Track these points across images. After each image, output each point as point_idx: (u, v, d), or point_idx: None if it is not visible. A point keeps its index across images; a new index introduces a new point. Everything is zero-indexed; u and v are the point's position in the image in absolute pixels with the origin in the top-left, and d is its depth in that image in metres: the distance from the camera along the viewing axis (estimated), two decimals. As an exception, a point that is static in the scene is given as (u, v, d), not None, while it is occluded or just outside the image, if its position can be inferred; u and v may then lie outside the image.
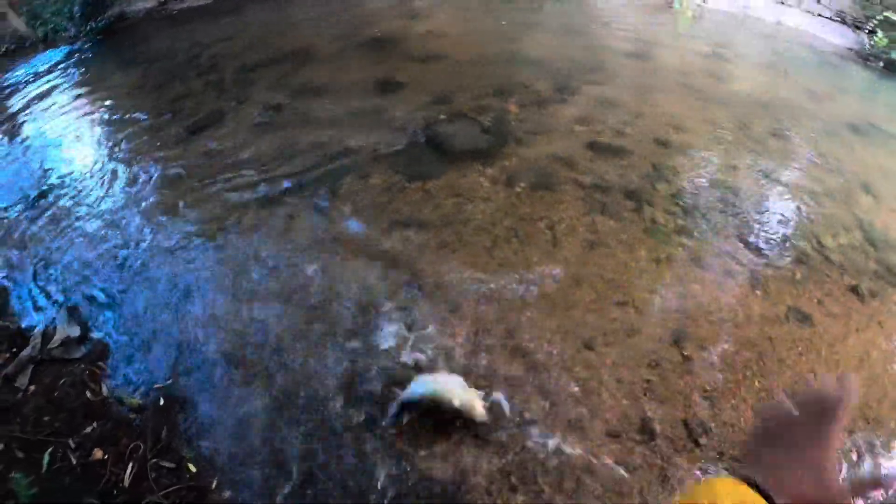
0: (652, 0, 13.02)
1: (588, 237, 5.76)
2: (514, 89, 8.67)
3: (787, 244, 5.89)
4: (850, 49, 11.27)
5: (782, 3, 12.12)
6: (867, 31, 11.12)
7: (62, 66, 13.23)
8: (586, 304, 5.04)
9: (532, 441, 4.01)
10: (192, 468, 4.10)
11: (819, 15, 11.74)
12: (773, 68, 10.17)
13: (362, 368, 4.57)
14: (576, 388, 4.34)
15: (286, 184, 6.93)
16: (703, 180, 6.70)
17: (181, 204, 6.86)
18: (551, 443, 4.00)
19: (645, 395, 4.32)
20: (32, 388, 4.89)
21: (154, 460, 4.16)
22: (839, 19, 11.65)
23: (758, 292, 5.28)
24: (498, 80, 8.98)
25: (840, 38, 11.52)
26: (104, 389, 4.80)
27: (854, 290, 5.42)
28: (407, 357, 4.60)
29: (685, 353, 4.64)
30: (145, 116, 9.33)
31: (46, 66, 13.38)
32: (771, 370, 4.57)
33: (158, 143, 8.32)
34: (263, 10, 14.35)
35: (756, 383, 4.47)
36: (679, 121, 7.81)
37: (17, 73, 13.33)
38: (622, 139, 7.34)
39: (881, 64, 10.77)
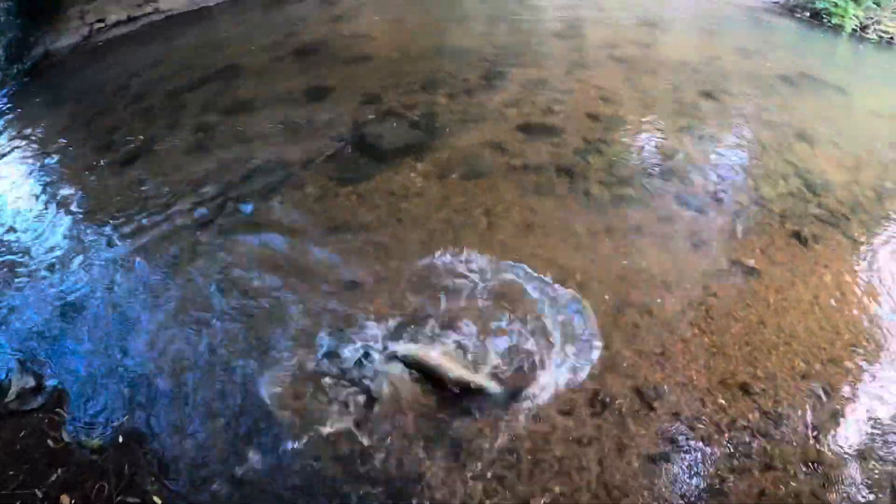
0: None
1: (525, 218, 5.70)
2: (443, 81, 8.60)
3: (726, 200, 5.88)
4: (776, 2, 11.34)
5: (706, -38, 12.14)
6: (791, -17, 11.22)
7: (-10, 109, 12.98)
8: None
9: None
10: (158, 501, 4.06)
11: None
12: (702, 30, 10.27)
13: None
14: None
15: (220, 203, 6.79)
16: (636, 149, 6.70)
17: (116, 239, 6.71)
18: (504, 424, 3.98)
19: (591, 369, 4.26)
20: None
21: (119, 498, 4.11)
22: (763, -26, 11.73)
23: (700, 250, 5.27)
24: (425, 75, 8.91)
25: (766, -8, 11.59)
26: (64, 436, 4.71)
27: (796, 235, 5.43)
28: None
29: (633, 322, 4.59)
30: (76, 155, 9.15)
31: None
32: (720, 325, 4.56)
33: (91, 180, 8.14)
34: (189, 32, 14.18)
35: (706, 340, 4.45)
36: (609, 93, 7.79)
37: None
38: (552, 118, 7.30)
39: (807, 14, 10.85)
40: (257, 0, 14.94)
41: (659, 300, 4.76)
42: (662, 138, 6.85)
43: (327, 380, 4.48)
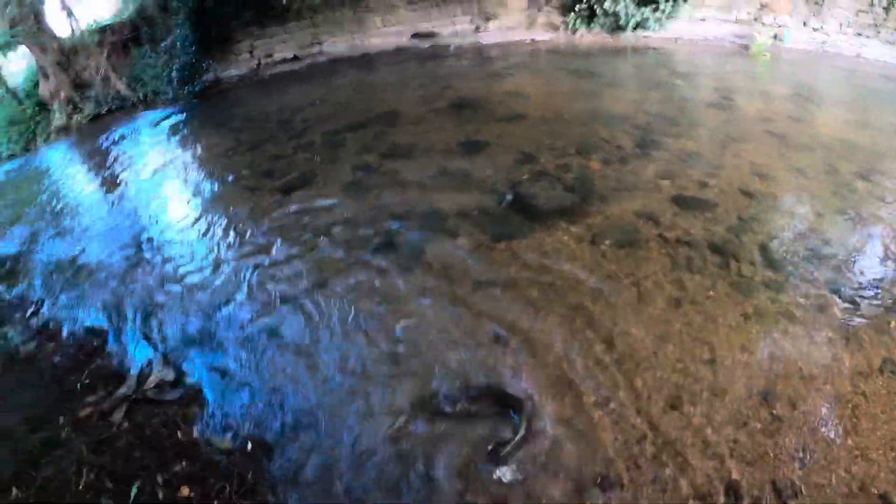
0: (727, 45, 12.99)
1: (674, 294, 5.79)
2: (596, 146, 8.83)
3: (880, 292, 5.72)
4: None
5: (860, 34, 11.90)
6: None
7: (161, 126, 14.27)
8: (672, 362, 5.05)
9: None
10: None
11: (900, 44, 11.50)
12: (856, 104, 9.99)
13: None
14: (660, 449, 4.36)
15: (377, 242, 7.28)
16: (791, 230, 6.65)
17: (277, 260, 7.31)
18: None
19: (732, 455, 4.28)
20: (126, 424, 5.27)
21: (239, 501, 4.40)
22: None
23: (850, 345, 5.14)
24: (579, 138, 9.18)
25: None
26: (195, 431, 5.13)
27: (957, 338, 5.18)
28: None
29: (774, 412, 4.56)
30: (241, 176, 9.98)
31: (146, 126, 14.41)
32: (865, 428, 4.44)
33: (254, 202, 8.88)
34: (350, 76, 15.06)
35: (849, 441, 4.34)
36: (763, 169, 7.76)
37: (119, 130, 14.44)
38: (706, 191, 7.37)
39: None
40: (416, 52, 15.67)
41: (804, 394, 4.70)
42: (816, 221, 6.78)
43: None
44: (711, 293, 5.77)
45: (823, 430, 4.44)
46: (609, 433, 4.51)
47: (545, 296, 5.98)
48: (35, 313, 7.39)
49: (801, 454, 4.27)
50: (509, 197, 7.76)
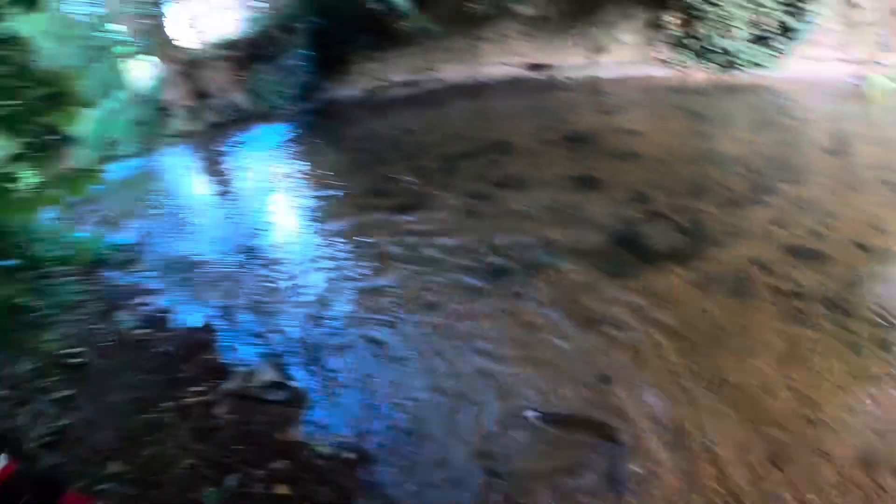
0: (842, 87, 12.68)
1: (784, 348, 5.80)
2: (710, 189, 8.93)
3: None
4: None
5: None
6: None
7: (276, 138, 15.29)
8: (776, 417, 5.04)
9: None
10: None
11: None
12: None
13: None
14: None
15: (489, 271, 7.63)
16: None
17: (386, 279, 7.76)
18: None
19: None
20: (228, 417, 5.67)
21: None
22: None
23: None
24: (693, 179, 9.31)
25: None
26: (296, 433, 5.45)
27: None
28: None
29: (878, 481, 4.46)
30: (355, 193, 10.59)
31: (263, 137, 15.48)
32: None
33: (365, 219, 9.43)
34: (463, 103, 15.53)
35: None
36: (881, 222, 7.60)
37: (236, 140, 15.37)
38: (820, 242, 7.33)
39: None
40: (530, 83, 15.97)
41: None
42: None
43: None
44: (821, 349, 5.75)
45: None
46: (707, 483, 4.57)
47: (651, 338, 6.13)
48: (149, 303, 8.04)
49: None
50: (615, 236, 8.03)
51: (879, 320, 6.06)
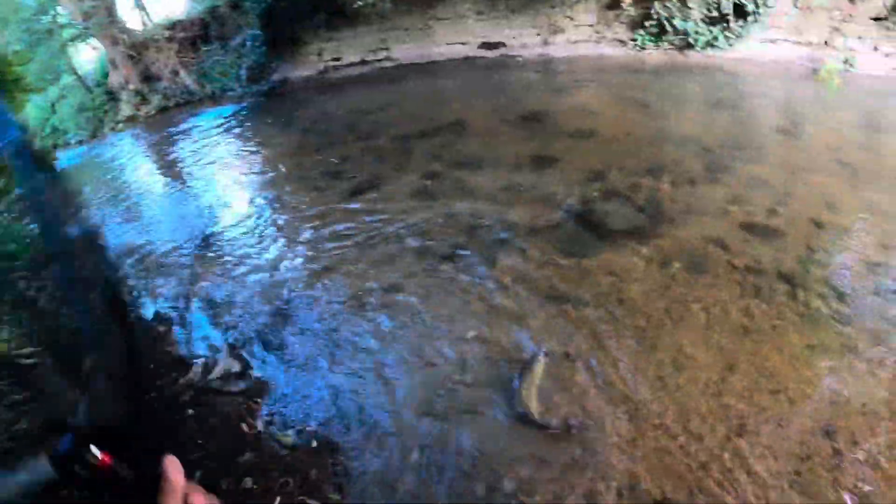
0: (796, 69, 12.81)
1: (742, 322, 5.87)
2: (666, 168, 8.92)
3: None
4: None
5: (935, 58, 11.72)
6: None
7: (228, 121, 14.86)
8: (738, 390, 5.11)
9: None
10: None
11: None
12: None
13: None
14: (722, 476, 4.45)
15: (446, 251, 7.53)
16: (860, 264, 6.62)
17: (343, 262, 7.63)
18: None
19: (792, 487, 4.34)
20: (190, 412, 5.51)
21: (301, 498, 4.54)
22: None
23: None
24: (649, 159, 9.29)
25: None
26: (259, 425, 5.33)
27: None
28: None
29: (836, 447, 4.58)
30: (307, 176, 10.39)
31: (213, 121, 14.97)
32: None
33: (320, 202, 9.27)
34: (417, 82, 15.39)
35: None
36: (833, 199, 7.73)
37: (187, 124, 14.98)
38: (775, 220, 7.40)
39: None
40: (483, 63, 15.93)
41: (867, 432, 4.69)
42: (886, 255, 6.73)
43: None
44: (778, 322, 5.83)
45: (883, 467, 4.44)
46: (672, 457, 4.62)
47: (612, 315, 6.15)
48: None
49: (859, 492, 4.30)
50: (573, 214, 7.99)
51: (834, 294, 6.18)
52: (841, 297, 6.15)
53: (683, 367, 5.42)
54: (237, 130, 14.36)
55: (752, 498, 4.30)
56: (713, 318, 5.98)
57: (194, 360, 6.17)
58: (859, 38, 12.46)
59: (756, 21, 13.18)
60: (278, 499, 4.53)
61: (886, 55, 12.22)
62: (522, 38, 16.10)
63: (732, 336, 5.73)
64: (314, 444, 5.05)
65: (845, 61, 12.33)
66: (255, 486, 4.64)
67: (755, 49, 13.60)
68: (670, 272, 6.69)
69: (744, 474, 4.45)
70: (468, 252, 7.46)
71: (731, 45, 13.70)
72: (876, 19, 12.09)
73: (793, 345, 5.57)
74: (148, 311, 7.28)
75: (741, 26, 13.30)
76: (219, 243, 8.68)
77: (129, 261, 8.66)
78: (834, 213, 7.53)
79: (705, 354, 5.54)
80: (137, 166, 13.49)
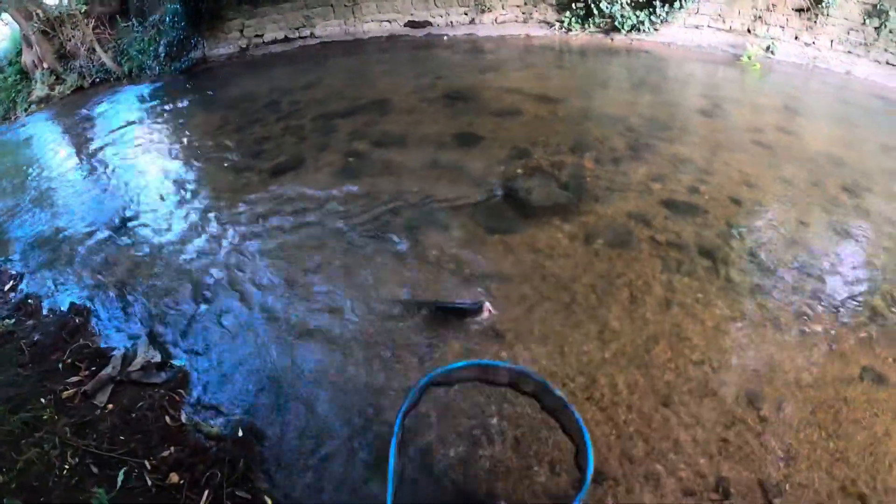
0: (719, 54, 13.11)
1: (665, 295, 5.91)
2: (590, 146, 8.92)
3: (862, 303, 5.86)
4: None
5: (850, 52, 12.09)
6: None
7: (146, 101, 14.29)
8: (663, 362, 5.16)
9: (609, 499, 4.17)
10: (269, 501, 4.32)
11: (888, 64, 11.62)
12: (843, 121, 10.10)
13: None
14: (651, 446, 4.48)
15: (368, 230, 7.36)
16: (777, 238, 6.77)
17: (265, 243, 7.39)
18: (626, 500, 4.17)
19: (720, 454, 4.41)
20: (110, 406, 5.22)
21: (230, 489, 4.37)
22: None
23: (832, 352, 5.28)
24: (573, 137, 9.26)
25: (912, 86, 11.40)
26: (182, 416, 5.11)
27: (932, 346, 5.33)
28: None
29: (761, 414, 4.69)
30: (227, 157, 10.03)
31: (131, 100, 14.39)
32: (847, 432, 4.57)
33: (241, 183, 8.96)
34: (342, 60, 15.08)
35: (831, 444, 4.48)
36: (751, 178, 7.89)
37: (103, 104, 14.33)
38: (696, 197, 7.48)
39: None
40: (408, 41, 15.79)
41: (790, 398, 4.82)
42: (802, 231, 6.92)
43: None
44: (700, 296, 5.90)
45: (806, 434, 4.56)
46: (601, 429, 4.61)
47: (537, 292, 6.08)
48: (13, 289, 7.38)
49: (785, 455, 4.40)
50: (496, 192, 7.90)
51: (752, 267, 6.33)
52: (761, 270, 6.28)
53: (608, 341, 5.41)
54: (155, 110, 13.76)
55: (681, 465, 4.33)
56: (637, 292, 5.99)
57: (112, 353, 5.85)
58: (781, 27, 12.75)
59: (682, 7, 13.35)
60: (206, 492, 4.33)
61: (806, 44, 12.55)
62: (450, 17, 15.95)
63: (656, 310, 5.75)
64: (240, 432, 4.87)
65: (767, 48, 12.63)
66: (181, 481, 4.44)
67: (680, 34, 13.81)
68: (594, 248, 6.65)
69: (672, 443, 4.48)
70: (391, 231, 7.28)
71: (656, 29, 13.86)
72: (798, 10, 12.38)
73: (715, 317, 5.65)
74: (63, 303, 6.86)
75: (667, 11, 13.43)
76: (136, 228, 8.24)
77: (41, 250, 8.19)
78: (753, 190, 7.68)
79: (630, 328, 5.55)
80: (51, 150, 12.73)
